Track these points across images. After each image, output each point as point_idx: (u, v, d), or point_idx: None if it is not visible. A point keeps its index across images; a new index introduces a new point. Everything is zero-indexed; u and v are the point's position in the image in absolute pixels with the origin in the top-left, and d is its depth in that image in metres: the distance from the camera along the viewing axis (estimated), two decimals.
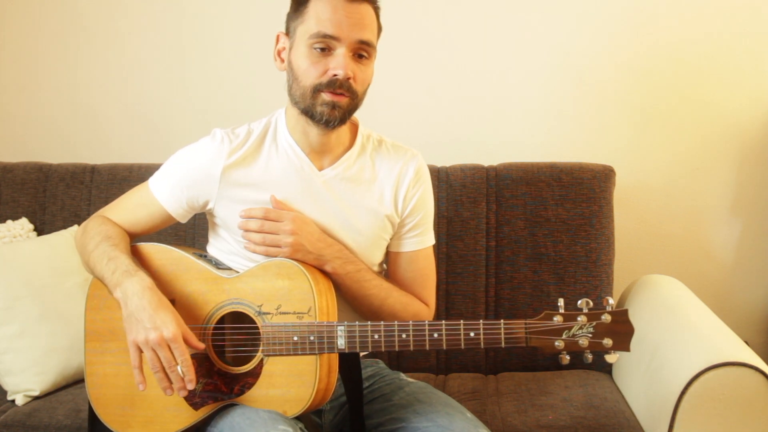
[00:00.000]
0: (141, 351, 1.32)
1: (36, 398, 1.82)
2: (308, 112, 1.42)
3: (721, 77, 2.24)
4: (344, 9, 1.37)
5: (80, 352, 1.76)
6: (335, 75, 1.38)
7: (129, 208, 1.53)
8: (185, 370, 1.30)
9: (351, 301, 1.49)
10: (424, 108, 2.35)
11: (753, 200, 2.27)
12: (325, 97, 1.39)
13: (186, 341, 1.32)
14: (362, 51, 1.40)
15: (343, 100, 1.40)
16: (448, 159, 2.12)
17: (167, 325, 1.30)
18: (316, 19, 1.38)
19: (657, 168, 2.29)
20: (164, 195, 1.50)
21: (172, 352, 1.30)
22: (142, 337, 1.30)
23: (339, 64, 1.38)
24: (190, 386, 1.32)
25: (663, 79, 2.26)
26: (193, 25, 2.42)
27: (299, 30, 1.41)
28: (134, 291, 1.33)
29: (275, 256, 1.41)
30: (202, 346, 1.35)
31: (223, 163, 1.46)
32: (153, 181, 1.53)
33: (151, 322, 1.30)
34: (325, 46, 1.38)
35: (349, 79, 1.38)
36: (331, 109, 1.40)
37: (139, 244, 1.50)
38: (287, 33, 1.46)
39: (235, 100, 2.40)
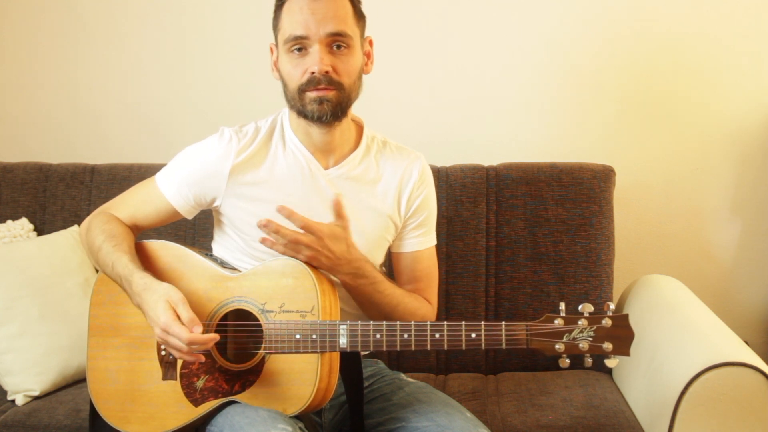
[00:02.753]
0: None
1: (36, 398, 1.82)
2: (302, 113, 1.45)
3: (722, 77, 2.24)
4: (309, 7, 1.40)
5: (80, 352, 1.77)
6: (312, 72, 1.40)
7: (135, 203, 1.55)
8: (191, 347, 1.30)
9: (359, 306, 1.51)
10: (425, 108, 2.35)
11: (753, 200, 2.27)
12: (311, 94, 1.42)
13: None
14: (337, 42, 1.43)
15: (329, 93, 1.42)
16: (448, 159, 2.12)
17: (158, 316, 1.31)
18: (287, 23, 1.43)
19: (657, 168, 2.29)
20: (171, 191, 1.51)
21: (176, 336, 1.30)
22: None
23: (313, 60, 1.41)
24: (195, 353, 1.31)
25: (663, 80, 2.26)
26: (193, 25, 2.42)
27: (278, 38, 1.47)
28: (141, 296, 1.35)
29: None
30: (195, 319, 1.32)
31: (232, 161, 1.48)
32: (160, 176, 1.54)
33: (151, 322, 1.33)
34: (300, 46, 1.42)
35: (327, 72, 1.40)
36: (320, 104, 1.42)
37: (144, 241, 1.51)
38: (276, 44, 1.50)
39: (235, 100, 2.40)
